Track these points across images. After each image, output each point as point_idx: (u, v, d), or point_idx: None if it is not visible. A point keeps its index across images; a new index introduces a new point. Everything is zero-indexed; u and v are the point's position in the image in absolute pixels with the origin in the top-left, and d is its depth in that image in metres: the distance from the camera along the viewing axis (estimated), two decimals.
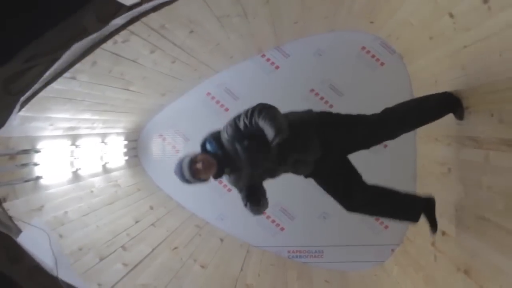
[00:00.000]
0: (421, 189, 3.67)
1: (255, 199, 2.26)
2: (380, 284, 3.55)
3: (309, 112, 2.41)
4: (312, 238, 4.05)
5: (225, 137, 2.23)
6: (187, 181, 2.21)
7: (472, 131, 2.33)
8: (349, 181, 2.43)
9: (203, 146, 2.30)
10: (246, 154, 2.19)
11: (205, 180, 2.24)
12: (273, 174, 2.37)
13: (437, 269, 2.64)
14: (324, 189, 2.49)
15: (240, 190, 2.35)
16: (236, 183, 2.36)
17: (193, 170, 2.16)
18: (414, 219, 2.50)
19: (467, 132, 2.40)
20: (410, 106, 2.51)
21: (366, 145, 2.48)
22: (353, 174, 2.45)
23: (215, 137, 2.28)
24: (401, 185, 3.73)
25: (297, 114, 2.36)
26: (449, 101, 2.49)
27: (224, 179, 2.41)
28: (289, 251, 4.07)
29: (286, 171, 2.39)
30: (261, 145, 2.14)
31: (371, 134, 2.41)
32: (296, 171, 2.40)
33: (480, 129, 2.23)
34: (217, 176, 2.29)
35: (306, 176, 2.48)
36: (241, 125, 2.17)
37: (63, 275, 1.88)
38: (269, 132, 2.04)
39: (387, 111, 2.44)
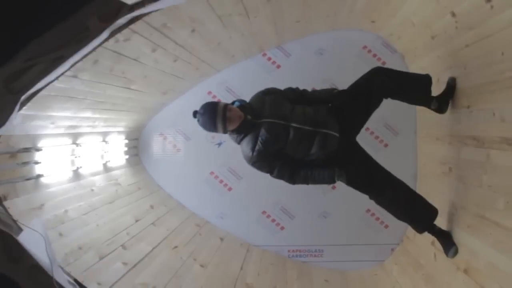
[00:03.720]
0: (422, 188, 3.67)
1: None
2: (380, 283, 3.55)
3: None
4: (312, 237, 4.05)
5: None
6: (213, 125, 2.18)
7: (473, 130, 2.33)
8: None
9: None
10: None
11: (226, 131, 2.24)
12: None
13: (437, 268, 2.64)
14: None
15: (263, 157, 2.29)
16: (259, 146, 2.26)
17: (226, 118, 2.16)
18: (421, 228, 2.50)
19: (468, 131, 2.40)
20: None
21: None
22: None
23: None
24: None
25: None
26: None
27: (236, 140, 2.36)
28: (289, 250, 4.06)
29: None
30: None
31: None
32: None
33: (481, 128, 2.22)
34: (239, 129, 2.25)
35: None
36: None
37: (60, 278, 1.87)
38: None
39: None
